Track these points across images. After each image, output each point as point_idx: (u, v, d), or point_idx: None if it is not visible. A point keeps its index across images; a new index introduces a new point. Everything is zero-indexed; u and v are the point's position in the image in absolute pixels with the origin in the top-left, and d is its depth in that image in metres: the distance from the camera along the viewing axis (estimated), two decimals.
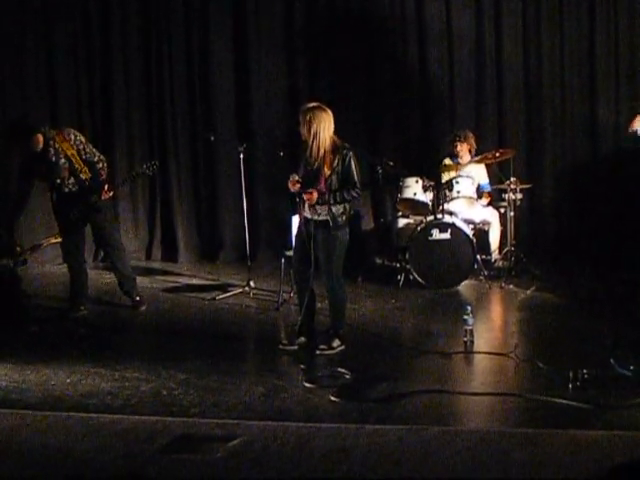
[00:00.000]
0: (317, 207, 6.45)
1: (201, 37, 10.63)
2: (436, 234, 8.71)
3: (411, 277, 8.76)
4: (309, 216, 6.52)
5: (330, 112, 6.41)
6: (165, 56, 10.61)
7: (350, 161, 6.39)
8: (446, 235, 8.69)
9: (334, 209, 6.41)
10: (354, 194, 6.45)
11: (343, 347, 6.61)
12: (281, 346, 6.71)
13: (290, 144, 10.47)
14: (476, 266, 8.80)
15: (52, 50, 10.54)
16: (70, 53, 10.60)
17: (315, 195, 6.37)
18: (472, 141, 9.46)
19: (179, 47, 10.63)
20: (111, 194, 7.69)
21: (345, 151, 6.39)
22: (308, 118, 6.32)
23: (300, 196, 6.53)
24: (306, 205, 6.50)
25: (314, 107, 6.38)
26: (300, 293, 6.77)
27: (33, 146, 7.44)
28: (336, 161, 6.37)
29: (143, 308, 8.06)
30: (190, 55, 10.68)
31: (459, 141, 9.41)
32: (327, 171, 6.37)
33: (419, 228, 8.88)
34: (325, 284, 6.63)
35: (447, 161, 9.53)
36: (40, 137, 7.44)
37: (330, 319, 6.76)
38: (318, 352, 6.53)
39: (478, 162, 9.33)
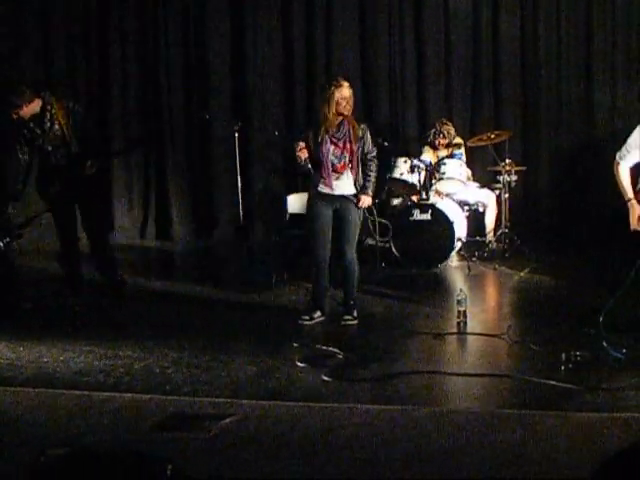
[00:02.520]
0: (343, 183, 6.63)
1: (197, 16, 10.60)
2: (417, 215, 8.75)
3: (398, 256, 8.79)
4: (339, 192, 6.64)
5: None
6: (161, 34, 10.59)
7: (368, 135, 6.68)
8: (426, 216, 8.72)
9: (360, 182, 6.65)
10: (376, 169, 6.78)
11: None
12: (300, 321, 6.77)
13: (286, 123, 10.57)
14: (459, 247, 8.82)
15: (49, 31, 10.48)
16: (67, 33, 10.55)
17: (369, 199, 6.69)
18: (452, 132, 9.43)
19: (175, 26, 10.62)
20: (93, 170, 7.43)
21: (364, 125, 6.69)
22: (350, 94, 6.51)
23: (313, 170, 6.66)
24: (333, 181, 6.61)
25: (348, 84, 6.55)
26: (322, 270, 6.82)
27: (31, 109, 7.31)
28: (360, 133, 6.60)
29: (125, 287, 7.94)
30: (186, 33, 10.66)
31: (440, 137, 9.38)
32: (355, 145, 6.58)
33: (400, 208, 8.95)
34: (346, 256, 6.74)
35: (427, 150, 9.52)
36: (38, 101, 7.32)
37: (348, 291, 6.85)
38: (343, 323, 6.74)
39: (472, 143, 9.33)
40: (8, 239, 7.37)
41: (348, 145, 6.57)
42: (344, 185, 6.65)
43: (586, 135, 10.11)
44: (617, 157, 6.06)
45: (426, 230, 8.72)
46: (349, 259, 6.76)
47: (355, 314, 6.82)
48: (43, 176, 7.54)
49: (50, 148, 7.41)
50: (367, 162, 6.68)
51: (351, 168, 6.61)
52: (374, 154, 6.75)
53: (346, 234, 6.71)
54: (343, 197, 6.66)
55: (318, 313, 6.83)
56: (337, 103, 6.46)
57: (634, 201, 5.97)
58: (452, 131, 9.45)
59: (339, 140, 6.57)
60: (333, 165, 6.60)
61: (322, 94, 6.60)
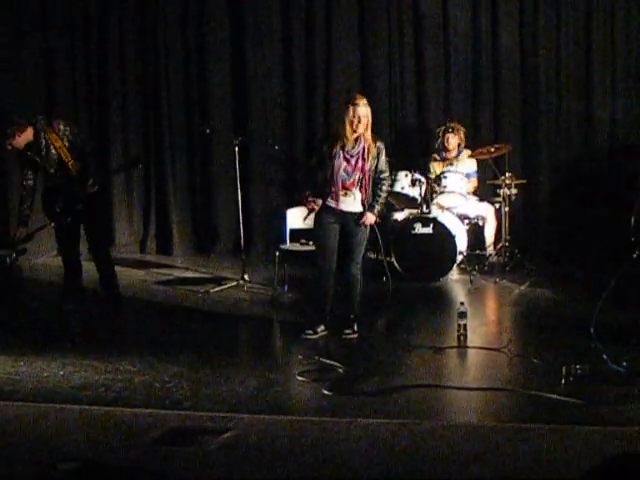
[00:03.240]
0: (350, 200, 6.66)
1: (197, 29, 10.63)
2: (419, 228, 8.76)
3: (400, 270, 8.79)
4: (345, 209, 6.66)
5: None
6: (161, 47, 10.61)
7: (383, 153, 6.71)
8: (428, 230, 8.73)
9: (369, 200, 6.68)
10: (387, 190, 6.92)
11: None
12: (304, 335, 6.75)
13: (287, 138, 10.58)
14: (460, 261, 8.83)
15: (49, 40, 10.50)
16: (67, 43, 10.57)
17: (373, 218, 6.69)
18: (462, 134, 9.48)
19: (175, 39, 10.63)
20: (95, 188, 7.46)
21: (379, 143, 6.71)
22: (366, 112, 6.54)
23: (322, 185, 6.68)
24: (340, 197, 6.63)
25: (365, 101, 6.59)
26: (325, 283, 6.80)
27: (25, 138, 7.36)
28: (375, 151, 6.64)
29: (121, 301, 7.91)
30: (186, 46, 10.68)
31: (450, 132, 9.43)
32: (369, 163, 6.61)
33: (402, 222, 8.96)
34: (351, 272, 6.75)
35: (436, 157, 9.57)
36: (30, 129, 7.37)
37: (350, 306, 6.85)
38: (344, 337, 6.73)
39: (472, 157, 9.37)
40: (14, 255, 7.41)
41: (360, 163, 6.59)
42: (351, 202, 6.67)
43: (586, 148, 10.12)
44: None
45: (428, 244, 8.72)
46: (352, 274, 6.76)
47: (356, 328, 6.81)
48: (47, 196, 7.62)
49: (52, 171, 7.46)
50: (379, 182, 6.71)
51: (361, 187, 6.64)
52: (387, 174, 6.79)
53: (350, 250, 6.73)
54: (349, 213, 6.68)
55: (322, 327, 6.82)
56: (351, 121, 6.50)
57: None
58: (462, 134, 9.46)
59: (352, 157, 6.59)
60: (343, 181, 6.62)
61: (340, 110, 6.71)
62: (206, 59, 10.61)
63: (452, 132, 9.46)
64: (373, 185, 6.69)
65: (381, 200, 6.75)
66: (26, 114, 7.62)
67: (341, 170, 6.60)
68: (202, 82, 10.65)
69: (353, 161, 6.59)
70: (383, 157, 6.70)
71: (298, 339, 6.70)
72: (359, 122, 6.50)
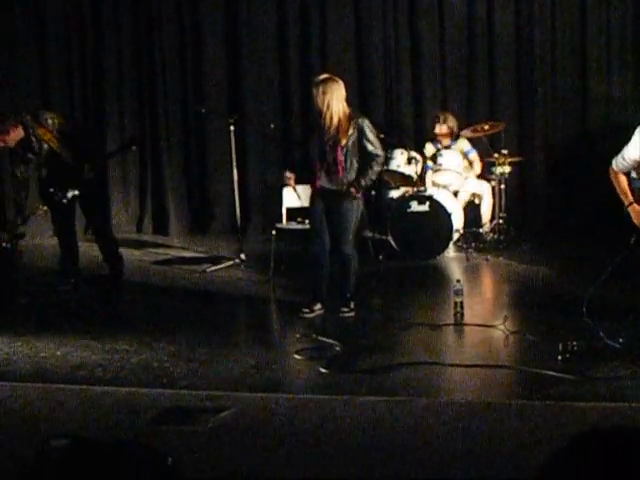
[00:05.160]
0: (333, 178, 6.61)
1: (192, 9, 10.56)
2: (415, 206, 8.74)
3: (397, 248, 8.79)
4: (326, 186, 6.65)
5: (341, 83, 6.60)
6: (156, 28, 10.55)
7: (365, 129, 6.58)
8: (424, 207, 8.71)
9: (349, 178, 6.59)
10: (377, 167, 6.70)
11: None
12: (301, 314, 6.75)
13: (282, 117, 10.55)
14: (456, 238, 8.83)
15: (43, 24, 10.44)
16: (61, 26, 10.51)
17: (354, 192, 6.59)
18: (452, 123, 9.38)
19: (170, 20, 10.56)
20: (91, 174, 7.47)
21: (360, 119, 6.60)
22: (321, 90, 6.49)
23: (319, 167, 6.64)
24: (322, 176, 6.62)
25: (325, 79, 6.55)
26: (319, 262, 6.82)
27: (17, 135, 7.36)
28: (351, 130, 6.53)
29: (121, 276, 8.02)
30: (181, 27, 10.61)
31: (438, 122, 9.34)
32: (343, 140, 6.52)
33: (399, 200, 8.94)
34: (341, 250, 6.72)
35: (428, 146, 9.49)
36: (21, 128, 7.37)
37: (344, 284, 6.83)
38: (340, 315, 6.74)
39: (468, 135, 9.33)
40: (14, 240, 7.42)
41: (335, 141, 6.54)
42: (331, 180, 6.64)
43: (581, 126, 10.10)
44: (613, 164, 5.90)
45: (424, 222, 8.71)
46: (344, 253, 6.75)
47: (352, 306, 6.81)
48: (44, 185, 7.63)
49: (46, 163, 7.52)
50: (366, 159, 6.62)
51: (337, 165, 6.57)
52: (376, 152, 6.64)
53: (339, 229, 6.70)
54: (331, 191, 6.66)
55: (318, 305, 6.82)
56: (315, 101, 6.52)
57: (635, 205, 5.89)
58: (451, 118, 9.38)
59: (328, 136, 6.55)
60: (322, 160, 6.61)
61: None
62: (201, 39, 10.55)
63: (439, 122, 9.35)
64: (361, 162, 6.63)
65: (367, 177, 6.63)
66: (12, 112, 7.62)
67: (319, 149, 6.60)
68: (197, 61, 10.60)
69: (330, 140, 6.55)
70: (369, 135, 6.60)
71: (295, 318, 6.71)
72: (323, 101, 6.46)
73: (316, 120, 6.63)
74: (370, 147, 6.61)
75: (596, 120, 10.01)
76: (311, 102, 6.73)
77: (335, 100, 6.50)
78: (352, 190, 6.57)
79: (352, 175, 6.60)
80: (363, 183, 6.64)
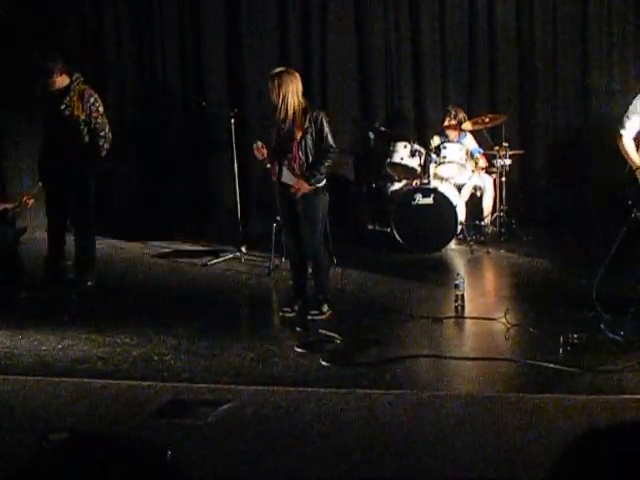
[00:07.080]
0: (289, 172, 6.44)
1: (193, 2, 10.54)
2: (419, 199, 8.72)
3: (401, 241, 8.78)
4: (283, 180, 6.49)
5: (297, 75, 6.44)
6: (157, 20, 10.52)
7: (322, 122, 6.39)
8: (429, 200, 8.69)
9: (302, 171, 6.40)
10: (330, 160, 6.46)
11: (331, 311, 6.62)
12: (281, 313, 6.73)
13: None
14: (459, 231, 8.82)
15: (47, 10, 10.40)
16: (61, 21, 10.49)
17: (305, 186, 6.35)
18: (461, 117, 9.37)
19: (171, 12, 10.53)
20: (91, 173, 7.35)
21: (315, 112, 6.42)
22: (276, 83, 6.33)
23: (277, 161, 6.50)
24: (284, 171, 6.47)
25: (281, 72, 6.41)
26: (292, 262, 6.79)
27: (60, 83, 7.11)
28: (307, 123, 6.36)
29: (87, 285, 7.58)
30: (182, 20, 10.58)
31: (448, 116, 9.33)
32: (298, 134, 6.37)
33: (402, 193, 8.92)
34: (308, 252, 6.58)
35: (436, 138, 9.46)
36: (68, 78, 7.15)
37: (316, 286, 6.71)
38: (309, 317, 6.54)
39: (468, 128, 9.29)
40: (18, 234, 7.43)
41: (292, 134, 6.38)
42: (288, 174, 6.45)
43: (582, 117, 10.08)
44: (620, 130, 6.21)
45: (429, 214, 8.69)
46: (310, 254, 6.58)
47: (324, 309, 6.60)
48: (44, 157, 7.43)
49: (57, 132, 7.26)
50: (321, 153, 6.40)
51: (293, 158, 6.40)
52: (331, 146, 6.42)
53: (302, 228, 6.53)
54: (289, 186, 6.46)
55: (300, 303, 6.72)
56: (270, 95, 6.37)
57: None
58: (460, 113, 9.37)
59: (285, 130, 6.41)
60: (279, 154, 6.47)
61: None
62: (202, 31, 10.52)
63: (450, 116, 9.34)
64: (316, 156, 6.41)
65: (318, 170, 6.38)
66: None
67: (276, 143, 6.48)
68: (198, 54, 10.57)
69: (286, 134, 6.41)
70: (325, 128, 6.37)
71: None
72: (278, 95, 6.29)
73: (272, 115, 6.48)
74: (325, 140, 6.40)
75: (597, 113, 9.98)
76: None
77: (291, 93, 6.32)
78: (303, 185, 6.35)
79: (303, 168, 6.40)
80: (313, 178, 6.39)
